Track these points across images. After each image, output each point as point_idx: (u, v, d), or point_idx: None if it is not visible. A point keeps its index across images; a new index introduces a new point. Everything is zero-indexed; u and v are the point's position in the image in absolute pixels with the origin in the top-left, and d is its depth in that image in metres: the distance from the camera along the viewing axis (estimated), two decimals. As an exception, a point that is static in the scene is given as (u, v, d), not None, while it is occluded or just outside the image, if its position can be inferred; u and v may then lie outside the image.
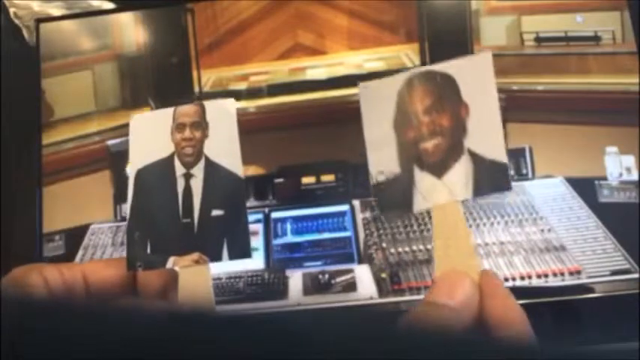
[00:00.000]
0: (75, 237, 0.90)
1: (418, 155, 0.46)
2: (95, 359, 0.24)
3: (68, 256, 0.89)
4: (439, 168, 0.46)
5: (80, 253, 0.89)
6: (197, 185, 0.47)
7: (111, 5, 1.01)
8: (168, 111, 0.49)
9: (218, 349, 0.24)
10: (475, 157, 0.46)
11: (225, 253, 0.45)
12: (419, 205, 0.46)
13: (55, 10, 1.01)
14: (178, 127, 0.48)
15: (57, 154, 0.95)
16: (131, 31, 0.99)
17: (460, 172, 0.46)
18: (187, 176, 0.47)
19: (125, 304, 0.43)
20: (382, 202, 0.46)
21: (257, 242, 0.89)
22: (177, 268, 0.44)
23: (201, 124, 0.47)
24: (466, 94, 0.46)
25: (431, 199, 0.46)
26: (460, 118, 0.46)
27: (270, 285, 0.84)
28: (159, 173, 0.47)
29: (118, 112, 0.97)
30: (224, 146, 0.47)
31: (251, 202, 0.91)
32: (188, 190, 0.47)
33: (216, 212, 0.46)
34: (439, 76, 0.47)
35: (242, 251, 0.45)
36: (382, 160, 0.47)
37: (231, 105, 0.48)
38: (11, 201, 0.92)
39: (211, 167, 0.47)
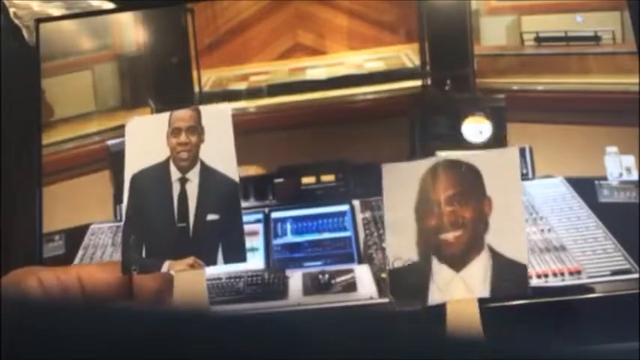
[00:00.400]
0: (75, 237, 0.90)
1: (438, 245, 0.46)
2: (95, 359, 0.24)
3: (68, 256, 0.89)
4: (458, 261, 0.46)
5: (80, 253, 0.89)
6: (192, 190, 0.47)
7: (111, 5, 1.01)
8: (164, 115, 0.49)
9: (218, 349, 0.24)
10: (495, 255, 0.45)
11: (220, 257, 0.45)
12: (434, 297, 0.45)
13: (55, 10, 1.01)
14: (174, 131, 0.47)
15: (57, 154, 0.95)
16: (131, 31, 0.99)
17: (479, 268, 0.45)
18: (183, 181, 0.47)
19: (125, 305, 0.43)
20: (397, 290, 0.46)
21: (257, 242, 0.89)
22: (172, 272, 0.44)
23: (197, 129, 0.47)
24: (490, 188, 0.46)
25: (447, 292, 0.45)
26: (483, 213, 0.46)
27: (270, 285, 0.84)
28: (154, 177, 0.47)
29: (118, 112, 0.97)
30: (220, 151, 0.47)
31: (251, 202, 0.91)
32: (183, 194, 0.47)
33: (211, 217, 0.46)
34: (465, 166, 0.46)
35: (237, 255, 0.45)
36: (401, 245, 0.46)
37: (227, 110, 0.48)
38: (11, 201, 0.92)
39: (207, 172, 0.47)
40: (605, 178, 0.85)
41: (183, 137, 0.47)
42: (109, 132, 0.95)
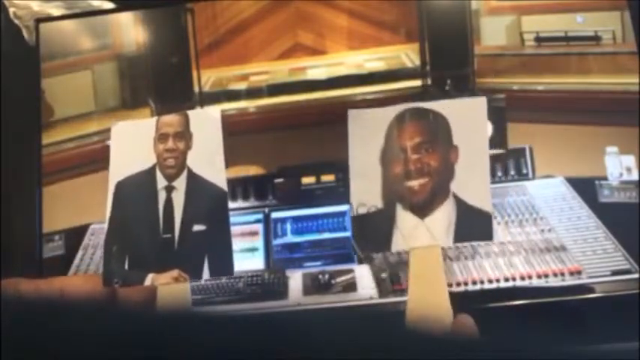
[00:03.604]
0: (75, 237, 0.90)
1: (403, 192, 0.45)
2: (95, 357, 0.24)
3: (68, 256, 0.89)
4: (423, 209, 0.45)
5: (80, 253, 0.89)
6: (179, 199, 0.45)
7: (111, 5, 1.01)
8: (151, 120, 0.47)
9: (218, 348, 0.24)
10: (459, 202, 0.45)
11: (206, 270, 0.43)
12: (398, 244, 0.45)
13: (55, 10, 1.01)
14: (161, 137, 0.46)
15: (57, 154, 0.95)
16: (131, 31, 0.99)
17: (443, 216, 0.45)
18: (169, 189, 0.45)
19: (129, 300, 0.43)
20: (360, 237, 0.45)
21: (257, 242, 0.89)
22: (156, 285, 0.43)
23: (184, 135, 0.46)
24: (457, 137, 0.46)
25: (411, 240, 0.45)
26: (449, 161, 0.45)
27: (270, 285, 0.84)
28: (139, 185, 0.45)
29: (117, 112, 0.97)
30: (208, 158, 0.46)
31: (251, 202, 0.91)
32: (169, 203, 0.45)
33: (198, 227, 0.44)
34: (432, 114, 0.46)
35: (224, 268, 0.44)
36: (365, 191, 0.46)
37: (216, 115, 0.47)
38: (11, 201, 0.92)
39: (194, 180, 0.46)
40: (605, 178, 0.85)
41: (170, 143, 0.46)
42: (109, 132, 0.94)
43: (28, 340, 0.25)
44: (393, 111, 0.48)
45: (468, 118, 0.45)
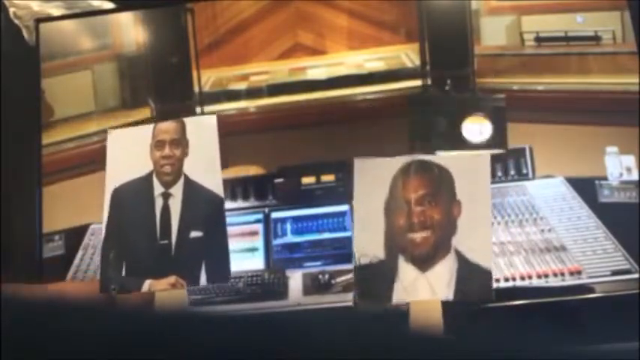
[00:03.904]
0: (75, 237, 0.90)
1: (405, 245, 0.46)
2: (96, 358, 0.24)
3: (68, 256, 0.89)
4: (424, 262, 0.46)
5: (80, 253, 0.89)
6: (176, 205, 0.45)
7: (111, 5, 1.01)
8: (147, 127, 0.47)
9: (218, 348, 0.24)
10: (461, 258, 0.45)
11: (203, 276, 0.43)
12: (398, 296, 0.45)
13: (55, 10, 1.01)
14: (157, 144, 0.46)
15: (57, 154, 0.95)
16: (131, 31, 0.99)
17: (444, 270, 0.45)
18: (166, 196, 0.46)
19: (128, 306, 0.43)
20: (361, 288, 0.46)
21: (257, 242, 0.89)
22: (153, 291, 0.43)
23: (181, 142, 0.46)
24: (461, 192, 0.46)
25: (412, 293, 0.45)
26: (452, 215, 0.46)
27: (270, 285, 0.84)
28: (136, 192, 0.45)
29: (117, 112, 0.97)
30: (204, 165, 0.46)
31: (251, 202, 0.91)
32: (166, 210, 0.45)
33: (195, 234, 0.44)
34: (437, 168, 0.46)
35: (221, 274, 0.44)
36: (368, 242, 0.46)
37: (212, 122, 0.47)
38: (11, 201, 0.92)
39: (191, 187, 0.46)
40: (605, 178, 0.85)
41: (167, 150, 0.46)
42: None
43: (27, 342, 0.25)
44: (398, 162, 0.48)
45: (471, 173, 0.46)
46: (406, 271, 0.46)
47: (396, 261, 0.46)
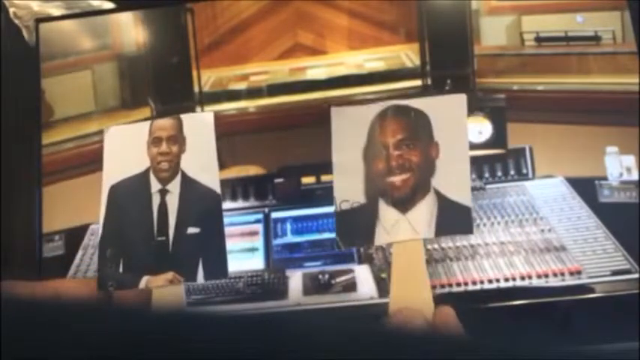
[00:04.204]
0: (75, 237, 0.90)
1: (384, 188, 0.46)
2: (95, 356, 0.24)
3: (68, 256, 0.89)
4: (404, 204, 0.46)
5: (80, 253, 0.89)
6: (173, 202, 0.45)
7: (111, 5, 1.01)
8: (144, 124, 0.47)
9: (218, 348, 0.24)
10: (440, 197, 0.46)
11: (200, 273, 0.44)
12: (380, 238, 0.46)
13: (55, 10, 1.01)
14: (154, 141, 0.46)
15: (57, 154, 0.95)
16: (131, 31, 0.99)
17: (425, 211, 0.46)
18: (163, 192, 0.46)
19: (128, 305, 0.43)
20: (343, 232, 0.46)
21: (257, 242, 0.89)
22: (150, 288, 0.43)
23: (178, 139, 0.46)
24: (438, 133, 0.46)
25: (393, 234, 0.46)
26: (430, 157, 0.46)
27: (270, 285, 0.84)
28: (133, 189, 0.46)
29: (118, 112, 0.97)
30: (202, 161, 0.46)
31: (251, 202, 0.91)
32: (163, 206, 0.45)
33: (192, 230, 0.45)
34: (414, 111, 0.47)
35: (218, 271, 0.44)
36: (348, 188, 0.46)
37: (209, 118, 0.47)
38: (11, 201, 0.92)
39: (188, 183, 0.46)
40: (605, 178, 0.85)
41: (164, 147, 0.46)
42: (109, 132, 0.94)
43: (25, 340, 0.25)
44: (375, 108, 0.49)
45: (448, 115, 0.46)
46: (387, 213, 0.46)
47: (377, 204, 0.47)
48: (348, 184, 0.46)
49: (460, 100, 0.46)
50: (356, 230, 0.46)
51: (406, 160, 0.46)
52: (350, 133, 0.47)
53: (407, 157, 0.46)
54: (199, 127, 0.47)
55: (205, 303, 0.81)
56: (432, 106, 0.46)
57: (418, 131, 0.46)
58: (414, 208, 0.45)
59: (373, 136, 0.47)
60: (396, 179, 0.46)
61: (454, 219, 0.45)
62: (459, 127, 0.46)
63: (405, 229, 0.45)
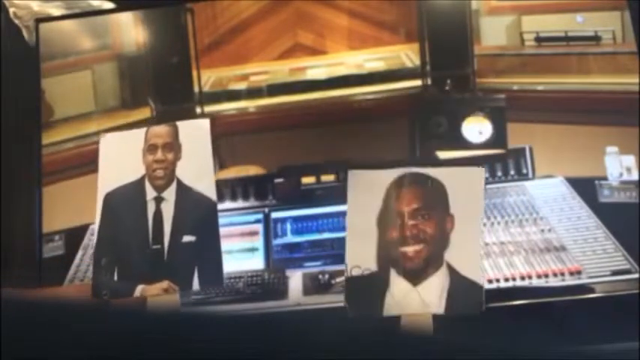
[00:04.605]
0: (75, 237, 0.90)
1: (397, 258, 0.46)
2: (96, 357, 0.24)
3: (68, 256, 0.89)
4: (416, 275, 0.46)
5: (80, 253, 0.89)
6: (168, 209, 0.45)
7: (111, 5, 1.01)
8: (140, 131, 0.47)
9: (218, 348, 0.24)
10: (452, 272, 0.45)
11: (196, 281, 0.43)
12: (389, 308, 0.46)
13: (55, 10, 1.01)
14: (150, 148, 0.46)
15: (57, 154, 0.95)
16: (131, 31, 0.99)
17: (436, 284, 0.46)
18: (158, 200, 0.46)
19: (128, 306, 0.43)
20: (352, 299, 0.46)
21: (257, 242, 0.89)
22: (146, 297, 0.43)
23: (173, 146, 0.46)
24: (454, 205, 0.46)
25: (403, 305, 0.46)
26: (444, 229, 0.46)
27: (270, 285, 0.84)
28: (129, 196, 0.45)
29: (117, 112, 0.97)
30: (197, 169, 0.46)
31: (251, 202, 0.91)
32: (159, 214, 0.45)
33: (187, 238, 0.44)
34: (431, 180, 0.47)
35: (214, 279, 0.44)
36: (361, 254, 0.46)
37: (205, 125, 0.47)
38: (11, 201, 0.92)
39: (183, 191, 0.46)
40: (605, 178, 0.85)
41: (159, 154, 0.46)
42: (108, 132, 0.94)
43: (25, 342, 0.25)
44: (392, 174, 0.48)
45: (465, 187, 0.46)
46: (398, 284, 0.46)
47: (388, 274, 0.46)
48: (360, 250, 0.46)
49: (479, 173, 0.46)
50: (366, 298, 0.46)
51: (421, 231, 0.46)
52: (366, 198, 0.47)
53: (422, 227, 0.46)
54: (195, 134, 0.47)
55: (205, 303, 0.81)
56: (449, 176, 0.46)
57: (434, 201, 0.46)
58: (425, 281, 0.45)
59: (389, 203, 0.46)
60: (409, 250, 0.46)
61: (465, 296, 0.45)
62: (475, 201, 0.46)
63: (415, 302, 0.45)
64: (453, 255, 0.45)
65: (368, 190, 0.48)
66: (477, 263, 0.46)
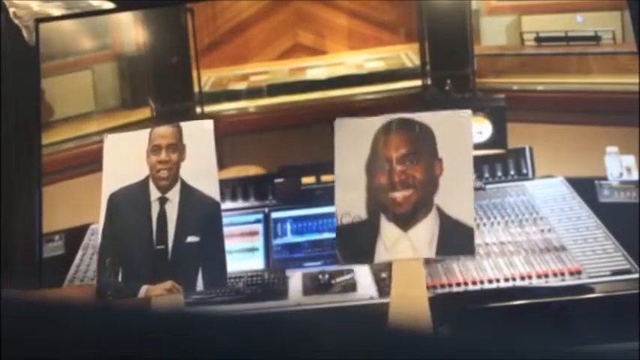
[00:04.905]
0: (75, 237, 0.90)
1: (387, 204, 0.46)
2: (98, 357, 0.24)
3: (68, 256, 0.89)
4: (406, 220, 0.46)
5: (80, 253, 0.89)
6: (172, 210, 0.45)
7: (111, 5, 1.01)
8: (144, 132, 0.47)
9: (218, 348, 0.24)
10: (442, 215, 0.45)
11: (199, 281, 0.43)
12: (380, 256, 0.46)
13: (55, 10, 1.01)
14: (154, 149, 0.46)
15: (57, 154, 0.95)
16: (131, 31, 0.99)
17: (426, 229, 0.46)
18: (162, 200, 0.46)
19: (130, 306, 0.43)
20: (343, 247, 0.46)
21: (257, 242, 0.89)
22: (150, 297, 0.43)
23: (177, 147, 0.46)
24: (442, 149, 0.46)
25: (394, 252, 0.45)
26: (433, 174, 0.46)
27: (270, 285, 0.84)
28: (133, 197, 0.46)
29: (117, 112, 0.97)
30: (201, 169, 0.46)
31: (251, 202, 0.91)
32: (163, 215, 0.45)
33: (191, 238, 0.45)
34: (418, 125, 0.47)
35: (218, 280, 0.44)
36: (350, 201, 0.46)
37: (209, 126, 0.47)
38: (11, 201, 0.92)
39: (187, 191, 0.46)
40: (605, 178, 0.85)
41: (163, 155, 0.46)
42: (109, 132, 0.94)
43: (26, 341, 0.25)
44: (379, 121, 0.48)
45: (453, 131, 0.46)
46: (388, 230, 0.46)
47: (378, 220, 0.46)
48: (349, 198, 0.46)
49: (466, 116, 0.46)
50: (357, 246, 0.45)
51: (409, 176, 0.46)
52: (353, 146, 0.47)
53: (410, 172, 0.46)
54: (199, 134, 0.47)
55: (205, 303, 0.81)
56: (437, 121, 0.46)
57: (422, 146, 0.46)
58: (415, 226, 0.45)
59: (376, 150, 0.46)
60: (398, 195, 0.45)
61: (456, 239, 0.44)
62: (464, 145, 0.46)
63: (405, 248, 0.45)
64: (443, 199, 0.45)
65: (355, 138, 0.48)
66: (467, 206, 0.46)
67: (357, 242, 0.46)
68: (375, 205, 0.46)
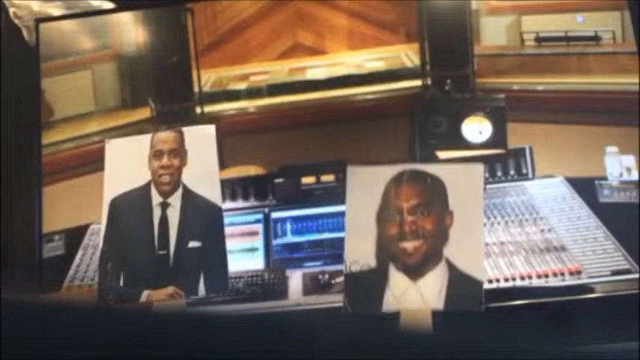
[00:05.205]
0: (75, 237, 0.90)
1: (396, 253, 0.46)
2: (98, 357, 0.24)
3: (68, 256, 0.89)
4: (415, 271, 0.46)
5: (80, 253, 0.89)
6: (174, 215, 0.45)
7: (111, 5, 1.01)
8: (146, 137, 0.48)
9: (218, 348, 0.24)
10: (452, 268, 0.46)
11: (201, 286, 0.44)
12: (389, 304, 0.46)
13: (55, 10, 1.01)
14: (156, 154, 0.46)
15: (57, 154, 0.95)
16: (131, 31, 0.99)
17: (435, 280, 0.46)
18: (164, 205, 0.46)
19: (131, 306, 0.43)
20: (351, 295, 0.46)
21: (257, 242, 0.89)
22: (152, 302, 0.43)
23: (179, 152, 0.46)
24: (453, 201, 0.46)
25: (402, 301, 0.46)
26: (444, 225, 0.46)
27: (270, 285, 0.84)
28: (134, 202, 0.46)
29: (117, 112, 0.97)
30: (203, 174, 0.46)
31: (251, 202, 0.91)
32: (164, 220, 0.45)
33: (193, 243, 0.45)
34: (430, 178, 0.47)
35: (220, 284, 0.44)
36: (359, 249, 0.46)
37: (211, 131, 0.47)
38: (11, 201, 0.92)
39: (189, 196, 0.46)
40: (605, 178, 0.85)
41: (165, 160, 0.46)
42: (109, 132, 0.94)
43: (27, 342, 0.25)
44: (391, 170, 0.49)
45: (464, 183, 0.46)
46: (397, 279, 0.46)
47: (387, 269, 0.47)
48: (359, 246, 0.46)
49: (478, 169, 0.46)
50: (365, 294, 0.46)
51: (420, 227, 0.46)
52: (365, 194, 0.47)
53: (420, 223, 0.46)
54: (201, 140, 0.47)
55: (205, 303, 0.81)
56: (448, 173, 0.46)
57: (433, 198, 0.46)
58: (424, 277, 0.45)
59: (388, 200, 0.46)
60: (408, 245, 0.46)
61: (464, 292, 0.44)
62: (475, 197, 0.46)
63: (414, 298, 0.45)
64: (453, 251, 0.46)
65: (367, 187, 0.48)
66: (477, 259, 0.46)
67: (365, 290, 0.46)
68: (384, 255, 0.46)
